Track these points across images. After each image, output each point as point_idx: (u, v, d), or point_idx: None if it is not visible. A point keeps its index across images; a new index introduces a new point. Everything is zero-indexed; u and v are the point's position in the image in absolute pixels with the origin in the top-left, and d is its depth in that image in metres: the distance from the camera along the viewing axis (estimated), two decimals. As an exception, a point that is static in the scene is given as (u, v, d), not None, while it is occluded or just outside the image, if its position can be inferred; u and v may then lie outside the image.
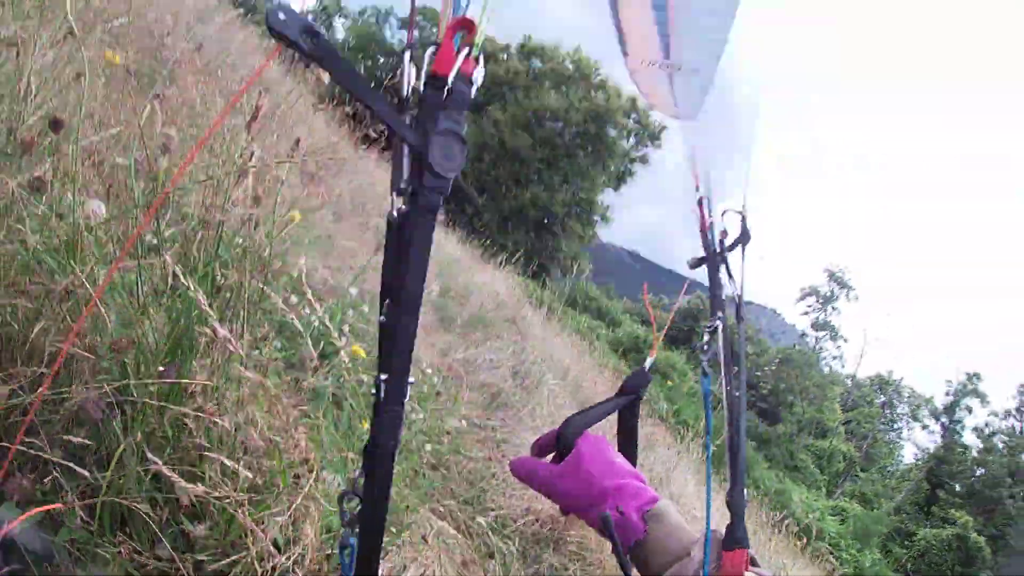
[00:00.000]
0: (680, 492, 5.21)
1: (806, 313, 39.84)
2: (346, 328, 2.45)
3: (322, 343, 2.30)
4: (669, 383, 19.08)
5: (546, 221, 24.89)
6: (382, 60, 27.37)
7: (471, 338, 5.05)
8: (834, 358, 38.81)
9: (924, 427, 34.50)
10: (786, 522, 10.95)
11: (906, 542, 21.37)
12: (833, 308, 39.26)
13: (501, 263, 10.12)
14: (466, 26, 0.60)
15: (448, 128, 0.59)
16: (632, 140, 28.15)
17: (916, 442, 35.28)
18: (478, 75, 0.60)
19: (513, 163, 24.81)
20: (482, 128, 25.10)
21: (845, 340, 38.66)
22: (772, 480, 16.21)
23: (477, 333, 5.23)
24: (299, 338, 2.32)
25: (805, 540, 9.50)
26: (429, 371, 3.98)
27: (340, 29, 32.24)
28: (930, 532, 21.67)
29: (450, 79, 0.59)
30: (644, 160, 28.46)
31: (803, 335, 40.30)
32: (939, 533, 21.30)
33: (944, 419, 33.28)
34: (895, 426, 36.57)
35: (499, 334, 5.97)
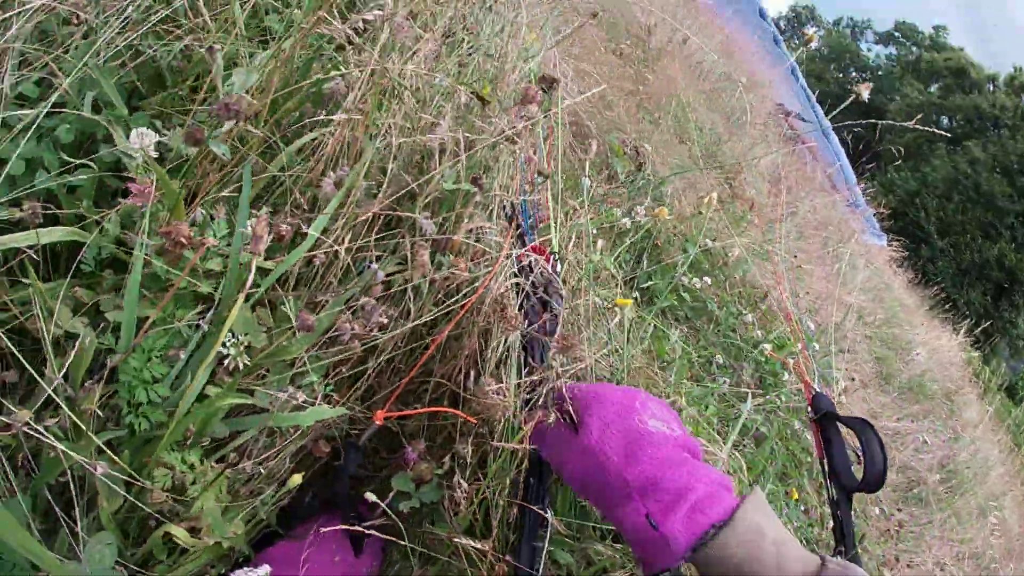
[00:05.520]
0: None
1: None
2: (790, 364, 2.10)
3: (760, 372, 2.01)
4: None
5: (1008, 286, 19.67)
6: (854, 73, 24.84)
7: (907, 408, 4.12)
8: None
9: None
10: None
11: None
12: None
13: (956, 328, 8.21)
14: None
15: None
16: None
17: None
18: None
19: (985, 210, 20.30)
20: (956, 164, 21.17)
21: None
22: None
23: (915, 405, 4.26)
24: (741, 359, 2.08)
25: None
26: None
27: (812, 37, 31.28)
28: None
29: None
30: None
31: None
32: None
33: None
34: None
35: (933, 410, 4.82)
